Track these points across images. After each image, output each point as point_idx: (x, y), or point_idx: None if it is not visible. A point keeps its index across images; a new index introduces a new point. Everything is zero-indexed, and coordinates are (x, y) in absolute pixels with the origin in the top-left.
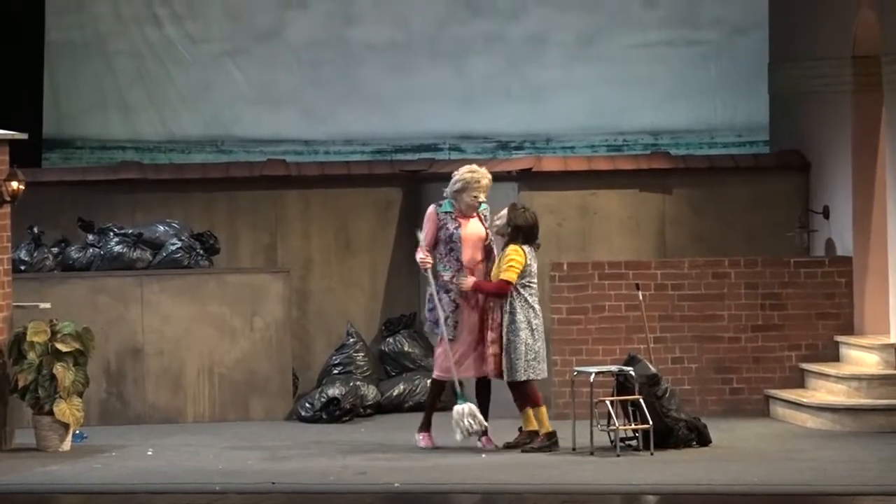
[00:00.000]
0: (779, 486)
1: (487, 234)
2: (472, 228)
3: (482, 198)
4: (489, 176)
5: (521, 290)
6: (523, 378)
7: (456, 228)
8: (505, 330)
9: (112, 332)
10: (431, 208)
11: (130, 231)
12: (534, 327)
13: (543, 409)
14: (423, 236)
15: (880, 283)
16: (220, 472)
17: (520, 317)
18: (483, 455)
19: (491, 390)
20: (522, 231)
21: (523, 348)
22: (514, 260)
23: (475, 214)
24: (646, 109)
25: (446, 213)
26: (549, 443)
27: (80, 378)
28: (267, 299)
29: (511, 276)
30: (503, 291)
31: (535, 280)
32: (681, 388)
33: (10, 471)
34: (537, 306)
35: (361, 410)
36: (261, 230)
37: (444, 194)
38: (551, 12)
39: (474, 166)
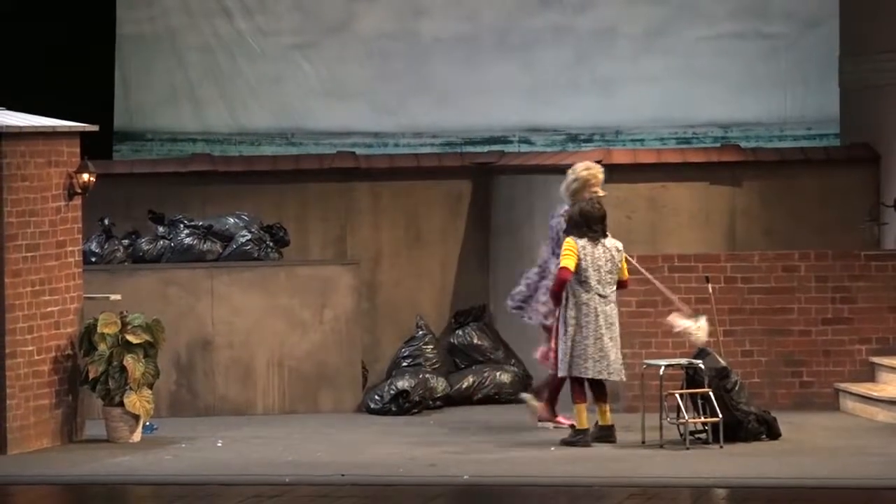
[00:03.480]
0: (848, 479)
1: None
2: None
3: (601, 193)
4: (602, 170)
5: (573, 286)
6: (562, 374)
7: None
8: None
9: (182, 324)
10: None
11: (200, 223)
12: (582, 324)
13: (580, 407)
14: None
15: None
16: (290, 464)
17: (570, 313)
18: (552, 448)
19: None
20: (573, 222)
21: (568, 344)
22: (566, 250)
23: None
24: (715, 102)
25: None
26: (577, 438)
27: (150, 369)
28: (336, 291)
29: (567, 262)
30: (561, 278)
31: (592, 273)
32: (750, 382)
33: (82, 462)
34: (592, 302)
35: (430, 403)
36: (330, 222)
37: (560, 196)
38: (620, 4)
39: (588, 163)
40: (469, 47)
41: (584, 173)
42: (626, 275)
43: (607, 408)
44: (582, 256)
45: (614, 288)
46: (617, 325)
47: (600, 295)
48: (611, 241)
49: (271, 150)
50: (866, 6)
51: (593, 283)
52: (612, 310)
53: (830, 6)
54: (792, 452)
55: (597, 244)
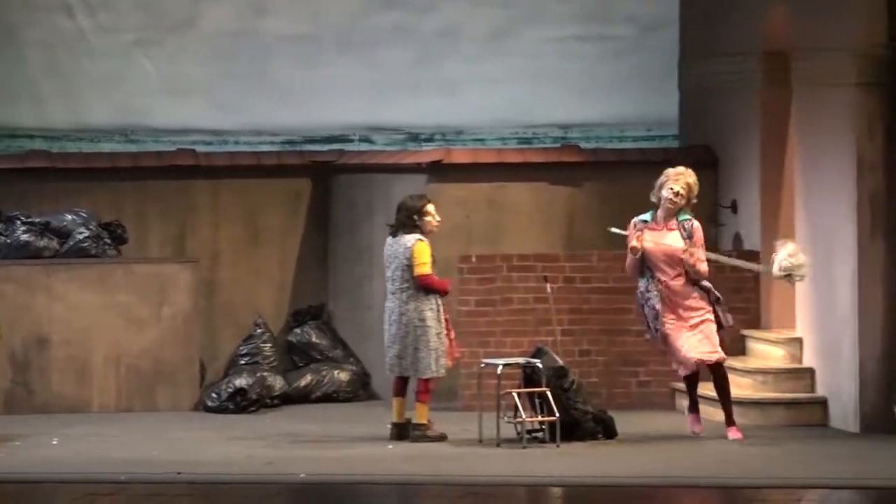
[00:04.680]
0: (682, 478)
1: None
2: (664, 239)
3: (676, 188)
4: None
5: None
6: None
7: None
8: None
9: (18, 320)
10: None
11: (37, 220)
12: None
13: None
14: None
15: None
16: (125, 462)
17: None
18: (389, 446)
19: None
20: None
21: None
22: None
23: (674, 226)
24: (557, 103)
25: (643, 221)
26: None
27: None
28: (175, 289)
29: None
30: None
31: (393, 270)
32: (588, 381)
33: None
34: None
35: (268, 401)
36: (170, 220)
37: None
38: (465, 5)
39: (680, 168)
40: (311, 46)
41: (668, 170)
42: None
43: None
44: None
45: (406, 285)
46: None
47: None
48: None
49: (110, 146)
50: (706, 11)
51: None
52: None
53: (671, 11)
54: (628, 452)
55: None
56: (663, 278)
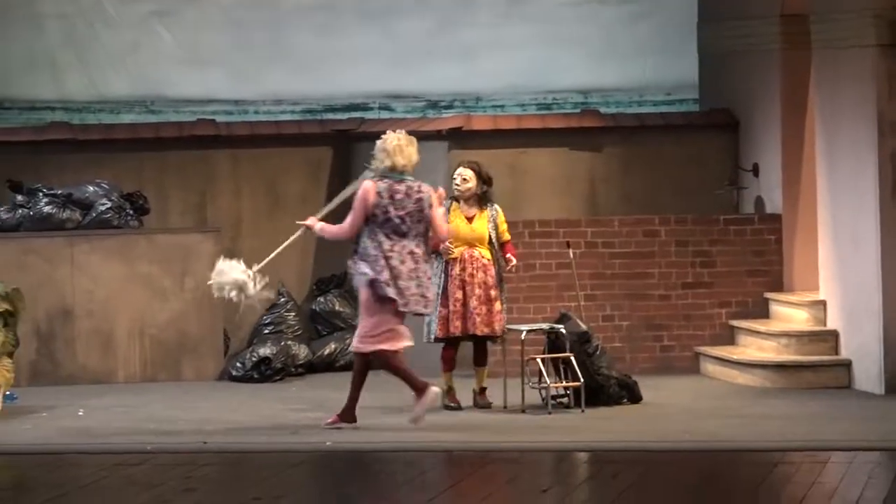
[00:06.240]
0: (708, 442)
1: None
2: None
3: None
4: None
5: None
6: None
7: None
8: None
9: (42, 292)
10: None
11: (60, 191)
12: None
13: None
14: None
15: (809, 239)
16: (152, 432)
17: None
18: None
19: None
20: None
21: None
22: None
23: None
24: (575, 68)
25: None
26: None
27: (10, 339)
28: (197, 259)
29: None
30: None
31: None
32: (612, 346)
33: None
34: None
35: (293, 370)
36: (190, 190)
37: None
38: None
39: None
40: (330, 15)
41: None
42: None
43: None
44: None
45: None
46: None
47: None
48: None
49: (131, 117)
50: None
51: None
52: None
53: None
54: (653, 416)
55: None
56: None
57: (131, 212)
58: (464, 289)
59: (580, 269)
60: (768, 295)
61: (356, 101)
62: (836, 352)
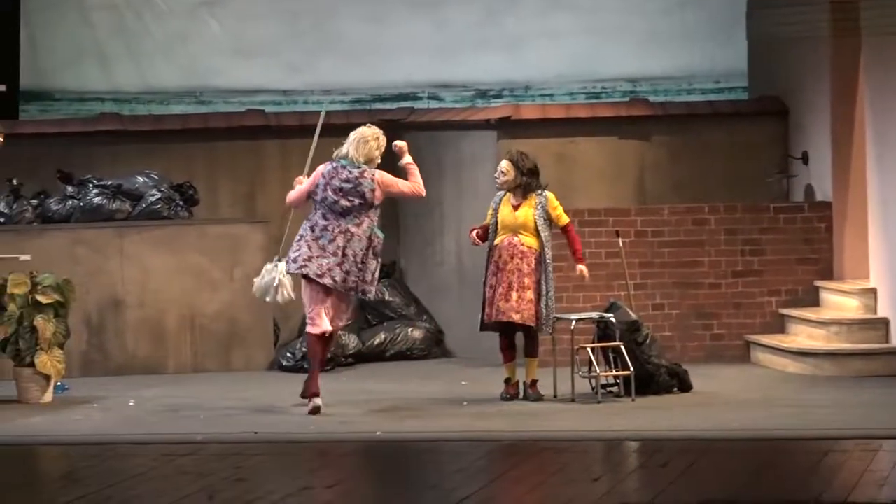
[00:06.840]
0: (759, 430)
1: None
2: None
3: None
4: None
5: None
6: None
7: None
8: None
9: (92, 283)
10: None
11: (110, 182)
12: None
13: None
14: None
15: (859, 227)
16: (202, 423)
17: None
18: (464, 403)
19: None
20: None
21: None
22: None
23: None
24: (624, 57)
25: None
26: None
27: (60, 330)
28: (247, 249)
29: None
30: None
31: None
32: (661, 335)
33: None
34: None
35: (343, 360)
36: (240, 181)
37: None
38: None
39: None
40: (378, 4)
41: None
42: None
43: None
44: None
45: None
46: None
47: None
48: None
49: (180, 108)
50: None
51: None
52: None
53: None
54: (703, 405)
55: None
56: None
57: (181, 202)
58: (497, 275)
59: (629, 258)
60: (818, 283)
61: (405, 91)
62: (887, 340)
